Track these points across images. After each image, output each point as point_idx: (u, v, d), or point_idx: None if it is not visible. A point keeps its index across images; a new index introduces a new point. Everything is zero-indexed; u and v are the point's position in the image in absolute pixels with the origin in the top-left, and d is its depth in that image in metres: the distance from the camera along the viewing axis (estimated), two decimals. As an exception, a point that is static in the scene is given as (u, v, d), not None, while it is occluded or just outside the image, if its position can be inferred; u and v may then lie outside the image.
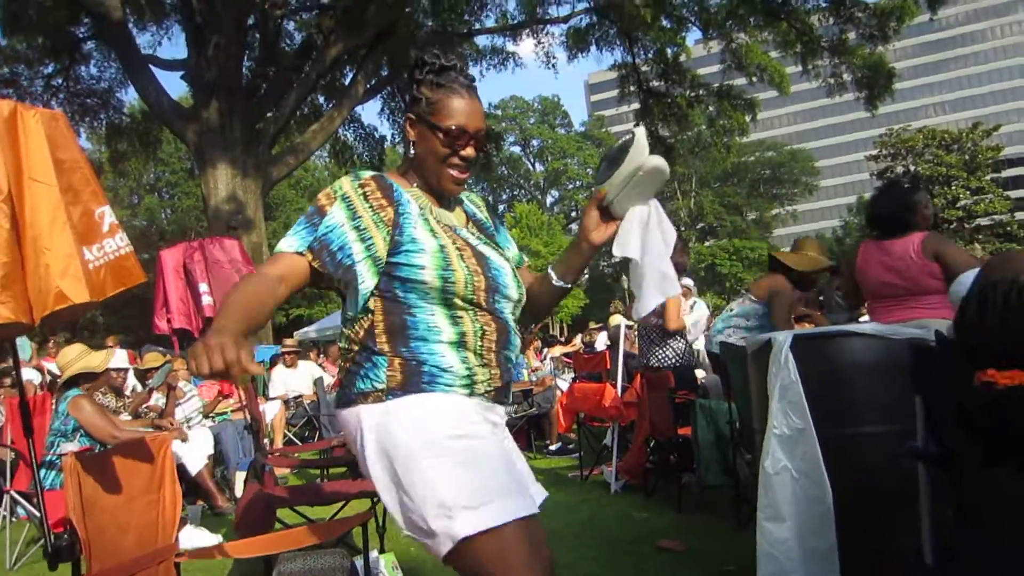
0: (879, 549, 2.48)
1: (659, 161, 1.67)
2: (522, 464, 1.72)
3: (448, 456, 1.46)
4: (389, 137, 21.15)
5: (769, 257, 5.13)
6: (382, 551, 3.53)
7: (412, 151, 1.69)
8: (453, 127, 1.63)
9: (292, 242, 1.58)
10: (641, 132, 1.72)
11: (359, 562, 2.96)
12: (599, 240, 1.75)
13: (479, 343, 1.60)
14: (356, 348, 1.61)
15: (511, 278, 1.71)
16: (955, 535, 1.78)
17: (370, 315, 1.60)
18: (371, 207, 1.60)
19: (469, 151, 1.66)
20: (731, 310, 5.00)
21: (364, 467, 1.55)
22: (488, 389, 1.61)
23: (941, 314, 3.34)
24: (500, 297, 1.66)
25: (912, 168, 42.15)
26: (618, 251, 1.74)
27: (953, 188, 40.77)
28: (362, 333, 1.60)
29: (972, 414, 1.58)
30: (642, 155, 1.66)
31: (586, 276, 45.52)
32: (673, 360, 5.57)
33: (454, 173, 1.67)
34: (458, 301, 1.59)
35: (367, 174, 1.67)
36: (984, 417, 1.53)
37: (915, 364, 1.86)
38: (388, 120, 20.47)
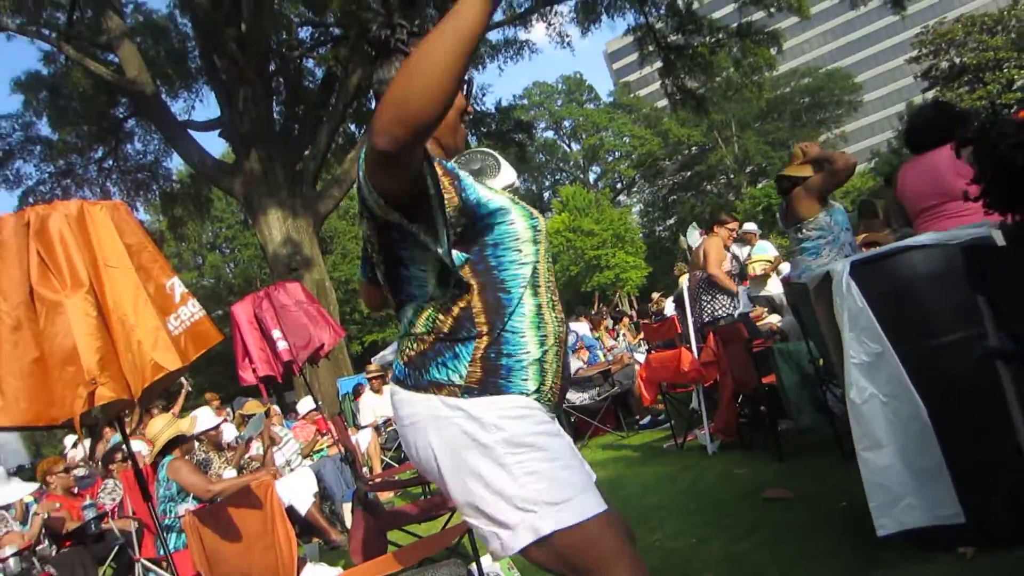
0: (986, 455, 2.44)
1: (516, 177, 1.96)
2: None
3: (526, 453, 1.43)
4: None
5: (781, 179, 4.83)
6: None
7: None
8: (466, 77, 1.50)
9: None
10: (496, 155, 1.97)
11: (475, 568, 3.05)
12: None
13: (553, 315, 1.56)
14: (443, 330, 1.50)
15: None
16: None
17: (466, 294, 1.49)
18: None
19: (469, 108, 1.65)
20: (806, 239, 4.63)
21: (421, 455, 1.50)
22: (551, 388, 1.55)
23: (975, 220, 3.05)
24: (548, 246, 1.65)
25: (957, 60, 40.20)
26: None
27: (1005, 71, 38.68)
28: (456, 313, 1.49)
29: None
30: (511, 174, 1.92)
31: (645, 244, 45.05)
32: (722, 313, 5.56)
33: (464, 129, 1.66)
34: (541, 259, 1.56)
35: None
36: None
37: (971, 266, 1.84)
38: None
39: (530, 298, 1.54)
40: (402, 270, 1.53)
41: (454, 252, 1.46)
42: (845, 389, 2.69)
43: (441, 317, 1.50)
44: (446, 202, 1.42)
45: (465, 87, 1.59)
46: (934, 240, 2.61)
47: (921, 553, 2.56)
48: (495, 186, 1.75)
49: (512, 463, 1.41)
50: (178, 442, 5.05)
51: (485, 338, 1.49)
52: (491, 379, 1.48)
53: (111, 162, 18.44)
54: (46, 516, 5.72)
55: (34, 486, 6.50)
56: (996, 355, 1.82)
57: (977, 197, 1.87)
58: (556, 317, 1.58)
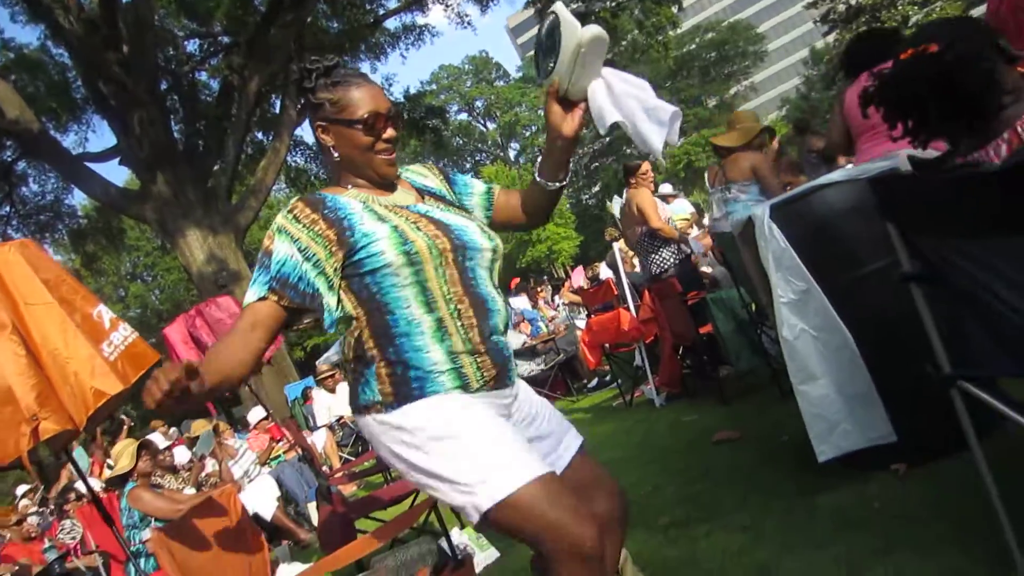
0: (911, 376, 2.58)
1: (595, 30, 1.61)
2: (545, 423, 1.76)
3: (450, 442, 1.53)
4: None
5: (713, 147, 5.21)
6: (462, 527, 3.68)
7: (336, 155, 1.71)
8: (367, 115, 1.66)
9: (253, 291, 1.60)
10: (562, 8, 1.64)
11: (444, 543, 3.11)
12: (571, 131, 1.73)
13: (459, 324, 1.61)
14: (351, 358, 1.65)
15: (478, 232, 1.72)
16: (959, 340, 1.88)
17: (355, 323, 1.63)
18: (305, 227, 1.61)
19: (390, 132, 1.70)
20: (735, 199, 4.86)
21: (388, 463, 1.66)
22: (483, 381, 1.62)
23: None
24: (472, 252, 1.67)
25: (853, 1, 41.34)
26: (602, 126, 1.68)
27: (900, 7, 39.89)
28: (352, 342, 1.64)
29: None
30: (576, 31, 1.60)
31: (573, 215, 45.40)
32: (672, 260, 5.69)
33: (384, 157, 1.70)
34: (430, 277, 1.60)
35: (296, 199, 1.68)
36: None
37: (880, 196, 1.94)
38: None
39: (425, 315, 1.60)
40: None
41: (338, 296, 1.63)
42: (777, 328, 2.81)
43: (347, 348, 1.67)
44: (333, 259, 1.59)
45: (378, 120, 1.67)
46: (846, 176, 2.72)
47: (859, 474, 2.71)
48: (563, 55, 1.62)
49: (442, 454, 1.53)
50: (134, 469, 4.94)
51: (380, 361, 1.60)
52: (404, 390, 1.58)
53: (8, 209, 17.21)
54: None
55: None
56: (910, 279, 1.93)
57: (900, 136, 1.99)
58: (462, 326, 1.61)
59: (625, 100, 1.67)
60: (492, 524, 1.49)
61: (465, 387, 1.60)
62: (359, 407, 1.63)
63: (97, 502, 2.82)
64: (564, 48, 1.61)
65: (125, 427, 9.64)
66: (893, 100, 1.96)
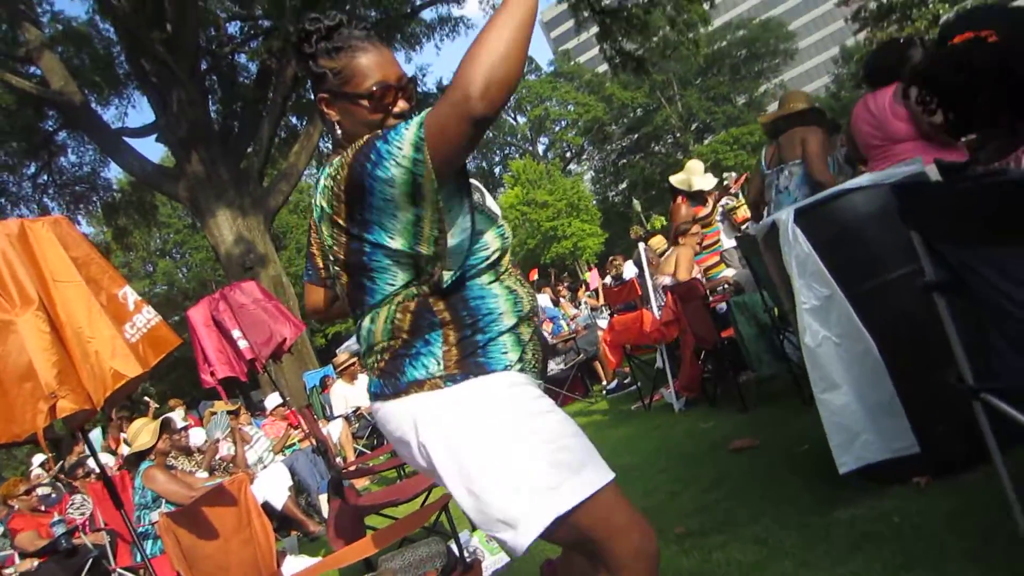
0: (935, 385, 2.53)
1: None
2: None
3: (528, 435, 1.39)
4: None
5: (765, 127, 4.57)
6: (473, 529, 3.66)
7: (340, 133, 1.52)
8: (375, 87, 1.46)
9: None
10: (481, 188, 1.78)
11: (454, 545, 3.09)
12: None
13: (524, 289, 1.54)
14: (404, 327, 1.44)
15: None
16: (983, 351, 1.84)
17: (423, 287, 1.43)
18: None
19: (401, 105, 1.49)
20: (785, 189, 4.36)
21: (422, 462, 1.45)
22: (535, 360, 1.53)
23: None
24: None
25: (884, 0, 40.72)
26: None
27: (931, 6, 39.31)
28: (415, 308, 1.44)
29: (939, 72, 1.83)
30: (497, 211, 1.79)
31: (599, 211, 45.20)
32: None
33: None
34: (503, 246, 1.53)
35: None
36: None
37: (902, 203, 1.90)
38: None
39: (494, 282, 1.50)
40: (365, 280, 1.46)
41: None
42: (799, 334, 2.76)
43: (399, 315, 1.45)
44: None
45: (388, 93, 1.49)
46: (872, 181, 2.68)
47: (878, 487, 2.66)
48: None
49: (511, 450, 1.38)
50: (152, 449, 4.97)
51: (450, 324, 1.44)
52: (470, 359, 1.43)
53: (46, 177, 17.86)
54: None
55: None
56: (933, 288, 1.89)
57: (941, 129, 1.93)
58: (528, 291, 1.56)
59: None
60: (559, 528, 1.35)
61: (523, 361, 1.48)
62: (404, 387, 1.43)
63: (107, 482, 2.86)
64: None
65: (151, 410, 9.72)
66: (942, 85, 1.86)
